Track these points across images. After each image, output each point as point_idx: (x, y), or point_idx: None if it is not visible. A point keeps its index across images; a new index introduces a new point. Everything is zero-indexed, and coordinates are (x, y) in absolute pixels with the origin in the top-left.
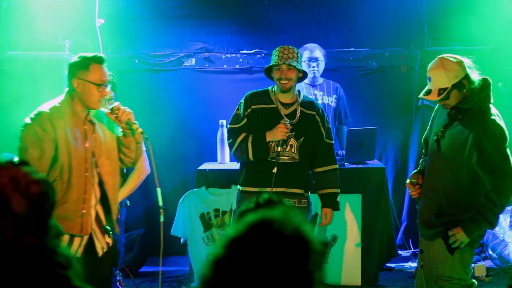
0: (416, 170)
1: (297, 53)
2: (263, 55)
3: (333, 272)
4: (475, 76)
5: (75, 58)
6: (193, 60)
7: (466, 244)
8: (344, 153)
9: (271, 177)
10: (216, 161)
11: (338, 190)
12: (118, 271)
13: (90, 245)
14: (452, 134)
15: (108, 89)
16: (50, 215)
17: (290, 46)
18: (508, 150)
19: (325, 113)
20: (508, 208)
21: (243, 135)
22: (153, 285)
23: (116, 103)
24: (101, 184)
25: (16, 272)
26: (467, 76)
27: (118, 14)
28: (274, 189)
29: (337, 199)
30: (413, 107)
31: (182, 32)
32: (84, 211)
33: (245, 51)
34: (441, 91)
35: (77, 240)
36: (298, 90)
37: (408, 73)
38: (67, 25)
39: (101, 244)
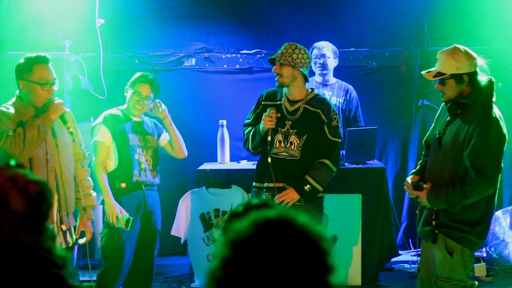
0: (414, 170)
1: (293, 50)
2: (263, 55)
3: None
4: (483, 78)
5: (20, 61)
6: (193, 60)
7: (465, 246)
8: (344, 153)
9: (269, 171)
10: (216, 161)
11: (312, 181)
12: None
13: None
14: (453, 131)
15: (55, 87)
16: (46, 216)
17: (293, 44)
18: (501, 156)
19: (336, 111)
20: (508, 208)
21: (250, 128)
22: (154, 285)
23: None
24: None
25: (11, 270)
26: (472, 74)
27: (118, 14)
28: (276, 184)
29: (306, 186)
30: (413, 107)
31: (182, 32)
32: None
33: (245, 51)
34: (438, 74)
35: None
36: (312, 89)
37: (408, 73)
38: (67, 25)
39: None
